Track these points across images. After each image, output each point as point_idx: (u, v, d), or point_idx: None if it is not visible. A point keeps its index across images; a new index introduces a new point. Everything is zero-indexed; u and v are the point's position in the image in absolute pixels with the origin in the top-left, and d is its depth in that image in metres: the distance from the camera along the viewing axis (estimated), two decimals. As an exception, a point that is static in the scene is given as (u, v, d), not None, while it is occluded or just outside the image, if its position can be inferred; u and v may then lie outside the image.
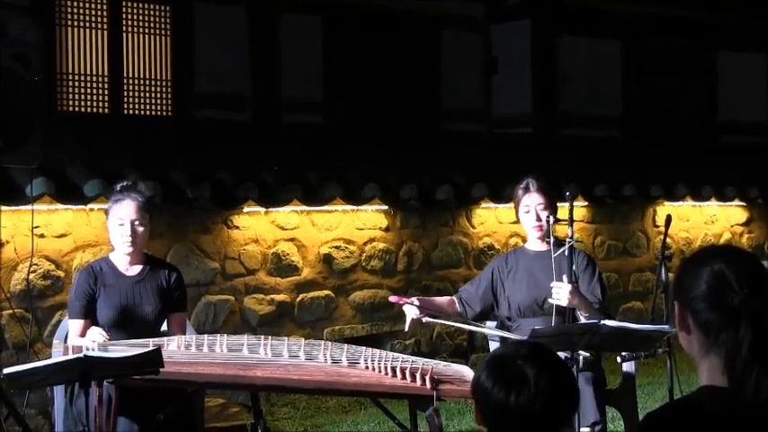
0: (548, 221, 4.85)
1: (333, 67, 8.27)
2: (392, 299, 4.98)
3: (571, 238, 4.69)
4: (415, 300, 4.81)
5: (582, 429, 4.53)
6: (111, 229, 4.71)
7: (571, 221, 4.70)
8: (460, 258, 8.25)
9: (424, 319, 4.79)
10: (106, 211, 4.77)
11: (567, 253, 4.66)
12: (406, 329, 4.87)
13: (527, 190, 4.94)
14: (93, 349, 4.10)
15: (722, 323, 2.02)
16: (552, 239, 4.83)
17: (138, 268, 4.76)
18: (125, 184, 4.82)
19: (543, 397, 2.27)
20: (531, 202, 4.92)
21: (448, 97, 9.12)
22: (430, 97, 8.91)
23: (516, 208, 5.02)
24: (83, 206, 6.33)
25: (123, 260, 4.74)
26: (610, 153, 9.51)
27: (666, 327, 4.25)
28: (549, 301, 4.70)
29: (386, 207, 7.76)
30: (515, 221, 8.51)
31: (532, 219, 4.92)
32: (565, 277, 4.65)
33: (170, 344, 4.35)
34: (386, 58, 8.48)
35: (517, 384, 2.28)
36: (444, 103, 9.10)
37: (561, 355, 4.23)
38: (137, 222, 4.68)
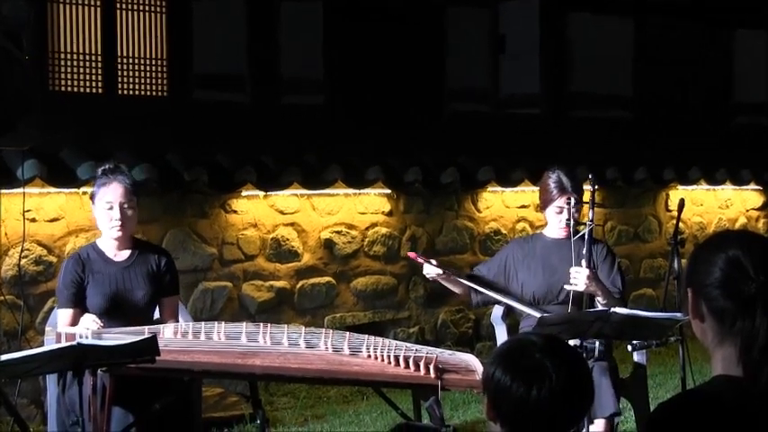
0: (567, 203, 4.84)
1: (334, 46, 8.24)
2: (410, 255, 5.14)
3: (591, 220, 4.71)
4: (433, 261, 4.93)
5: (597, 421, 4.55)
6: (98, 213, 4.70)
7: (593, 204, 4.74)
8: (466, 243, 8.25)
9: (444, 279, 4.94)
10: (91, 195, 4.76)
11: (586, 236, 4.69)
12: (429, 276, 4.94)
13: (562, 190, 4.89)
14: (86, 337, 4.10)
15: (737, 311, 2.02)
16: (572, 222, 4.83)
17: (126, 253, 4.75)
18: (108, 166, 4.76)
19: (565, 389, 2.26)
20: (566, 204, 4.88)
21: (453, 77, 9.07)
22: (434, 77, 8.87)
23: (546, 203, 4.98)
24: (76, 189, 6.33)
25: (111, 245, 4.74)
26: (621, 135, 9.49)
27: (679, 314, 4.25)
28: (566, 287, 4.72)
29: (389, 190, 7.75)
30: (523, 206, 8.57)
31: (563, 219, 4.89)
32: (583, 262, 4.68)
33: (166, 331, 4.36)
34: (389, 36, 8.44)
35: (538, 378, 2.26)
36: (449, 83, 9.06)
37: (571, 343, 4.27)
38: (126, 206, 4.66)
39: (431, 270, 4.87)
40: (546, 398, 2.25)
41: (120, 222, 4.64)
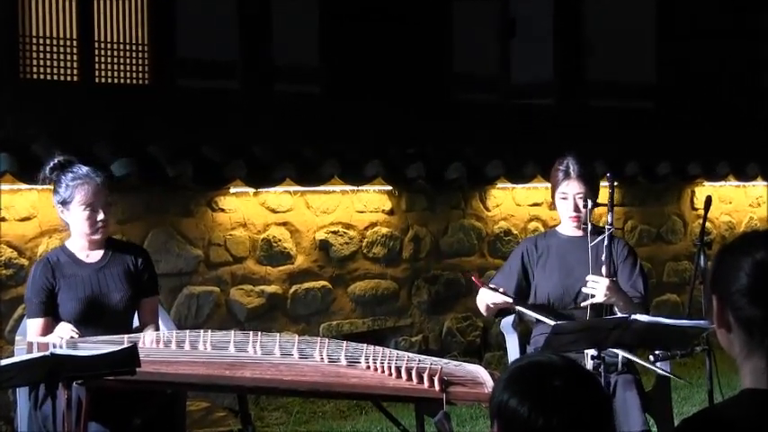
0: (585, 206, 4.85)
1: (331, 30, 8.24)
2: (473, 278, 4.95)
3: (611, 225, 4.70)
4: (498, 288, 4.84)
5: None
6: (74, 217, 4.67)
7: (611, 207, 4.72)
8: (473, 245, 8.25)
9: (518, 308, 4.87)
10: (62, 200, 4.67)
11: (606, 242, 4.68)
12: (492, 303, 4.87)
13: (567, 175, 4.92)
14: (60, 346, 4.10)
15: (766, 321, 2.01)
16: (590, 226, 4.84)
17: (99, 254, 4.75)
18: (60, 160, 4.72)
19: (584, 418, 2.26)
20: (570, 190, 4.92)
21: (460, 63, 9.08)
22: (440, 63, 8.88)
23: (553, 190, 5.03)
24: (49, 186, 6.32)
25: (82, 246, 4.73)
26: (642, 126, 9.49)
27: (705, 322, 4.25)
28: (584, 301, 4.72)
29: (389, 187, 7.76)
30: (535, 203, 8.57)
31: (569, 208, 4.93)
32: (603, 269, 4.67)
33: (147, 340, 4.36)
34: (391, 19, 8.45)
35: (557, 407, 2.25)
36: (456, 70, 9.07)
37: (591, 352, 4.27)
38: (107, 205, 4.69)
39: (496, 298, 4.79)
40: (569, 427, 2.24)
41: (103, 224, 4.66)
